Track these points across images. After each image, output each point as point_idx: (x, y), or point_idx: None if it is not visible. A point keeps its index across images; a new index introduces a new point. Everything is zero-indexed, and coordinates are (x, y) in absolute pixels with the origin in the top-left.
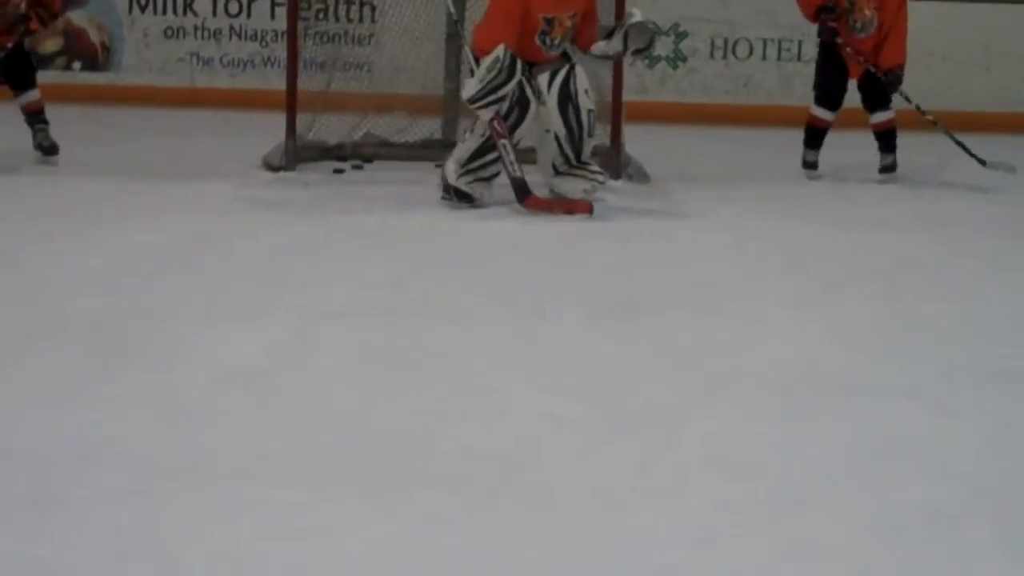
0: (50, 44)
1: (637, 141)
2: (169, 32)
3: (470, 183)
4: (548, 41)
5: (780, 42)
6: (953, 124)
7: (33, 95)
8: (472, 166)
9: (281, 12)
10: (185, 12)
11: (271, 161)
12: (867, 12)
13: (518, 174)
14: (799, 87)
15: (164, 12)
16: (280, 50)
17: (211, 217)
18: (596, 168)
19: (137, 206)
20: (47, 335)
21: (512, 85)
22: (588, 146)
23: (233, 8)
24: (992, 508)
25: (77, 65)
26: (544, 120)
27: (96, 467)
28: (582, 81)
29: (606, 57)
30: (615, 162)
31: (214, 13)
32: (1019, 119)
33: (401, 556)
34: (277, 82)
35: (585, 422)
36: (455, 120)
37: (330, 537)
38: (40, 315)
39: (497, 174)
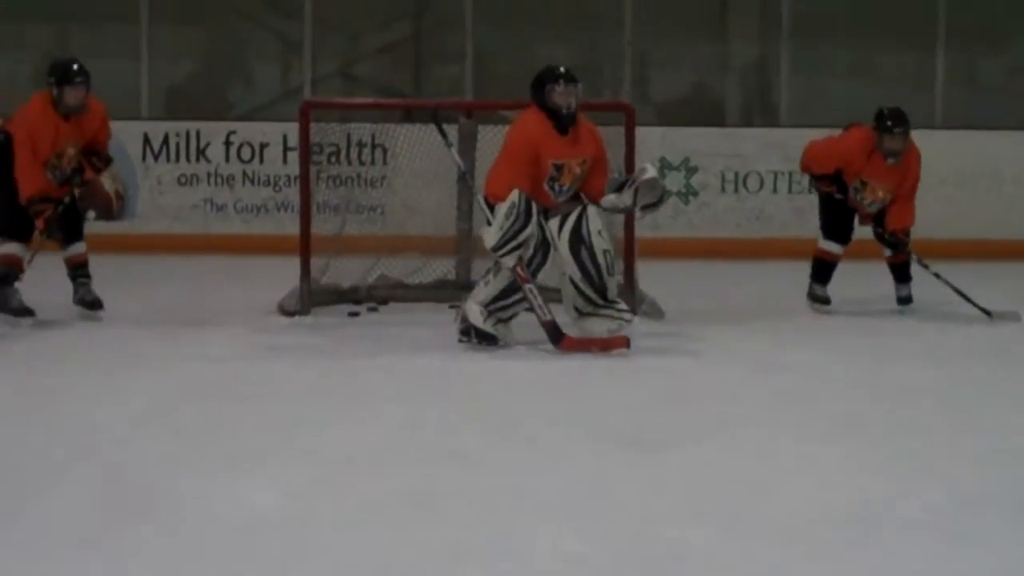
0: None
1: (651, 277)
2: (183, 179)
3: (494, 325)
4: (557, 187)
5: (791, 174)
6: (964, 251)
7: (80, 248)
8: (494, 307)
9: (293, 157)
10: (198, 159)
11: (286, 306)
12: (880, 194)
13: (548, 317)
14: (811, 219)
15: (177, 159)
16: (293, 194)
17: (227, 363)
18: (623, 306)
19: (152, 353)
20: (63, 484)
21: (531, 229)
22: (612, 284)
23: (246, 154)
24: None
25: (92, 215)
26: (559, 264)
27: None
28: (595, 222)
29: (615, 210)
30: (630, 299)
31: (227, 159)
32: None
33: None
34: (291, 226)
35: (604, 562)
36: (469, 260)
37: None
38: (55, 464)
39: (517, 315)
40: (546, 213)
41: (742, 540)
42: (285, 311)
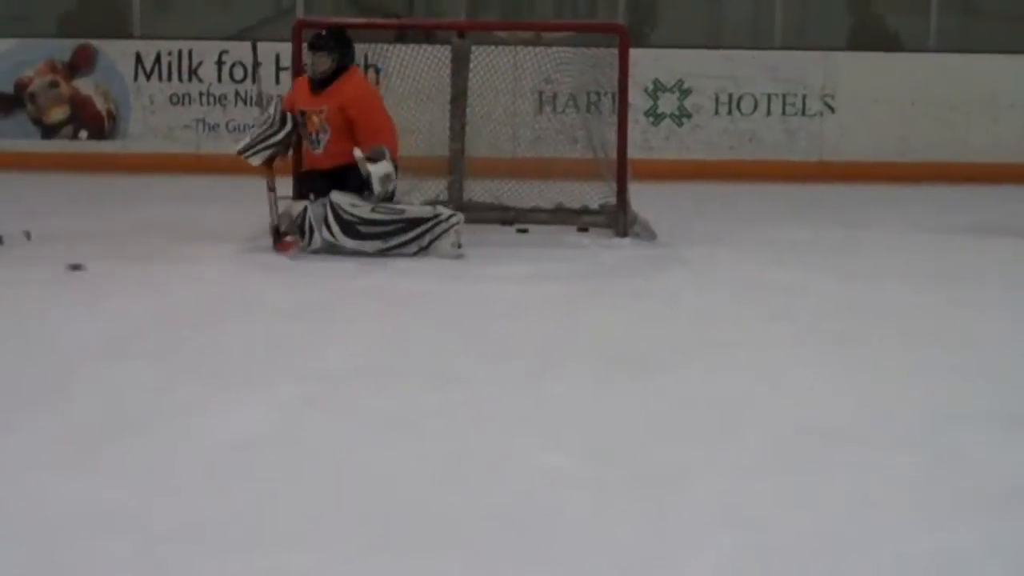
0: (57, 113)
1: (643, 198)
2: (175, 99)
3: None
4: (307, 135)
5: (784, 97)
6: (959, 174)
7: None
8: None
9: (286, 77)
10: (190, 78)
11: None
12: None
13: (275, 223)
14: (804, 141)
15: (169, 79)
16: None
17: (217, 283)
18: (443, 212)
19: (143, 273)
20: (52, 402)
21: (283, 135)
22: (408, 209)
23: (238, 73)
24: (1004, 555)
25: (84, 133)
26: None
27: (101, 534)
28: (342, 199)
29: (361, 166)
30: (622, 220)
31: (219, 79)
32: None
33: None
34: None
35: (593, 479)
36: (461, 180)
37: None
38: (44, 383)
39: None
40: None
41: (728, 457)
42: (277, 231)
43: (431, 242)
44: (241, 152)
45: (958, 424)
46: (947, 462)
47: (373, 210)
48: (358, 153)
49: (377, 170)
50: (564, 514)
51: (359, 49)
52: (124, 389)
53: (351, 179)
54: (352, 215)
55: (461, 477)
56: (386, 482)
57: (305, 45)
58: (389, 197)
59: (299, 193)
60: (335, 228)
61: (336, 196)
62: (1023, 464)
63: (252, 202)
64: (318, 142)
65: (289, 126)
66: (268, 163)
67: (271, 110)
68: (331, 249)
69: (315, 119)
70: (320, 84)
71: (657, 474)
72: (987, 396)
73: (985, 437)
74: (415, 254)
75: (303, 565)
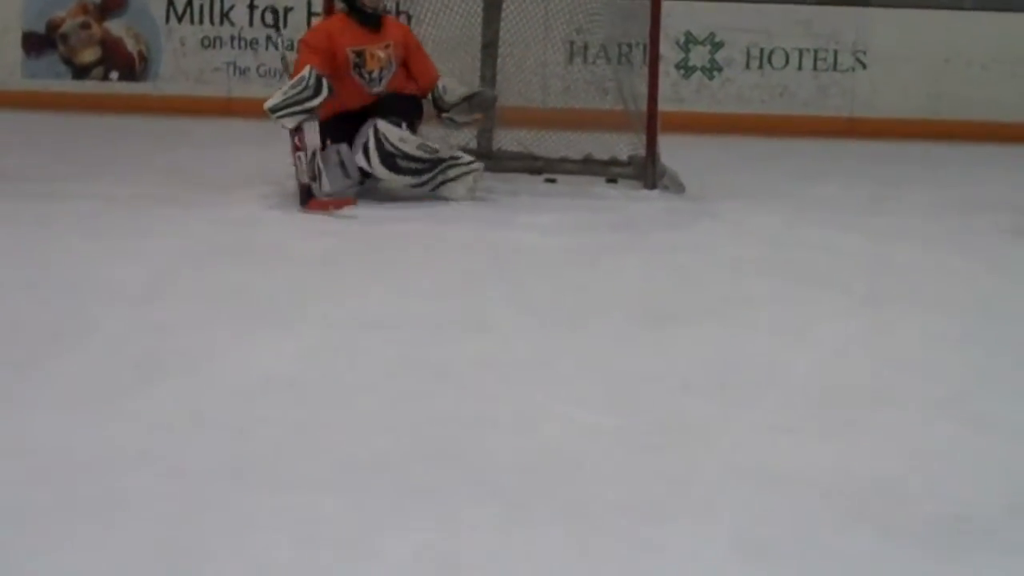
0: (88, 54)
1: (672, 151)
2: (206, 42)
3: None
4: (366, 75)
5: (816, 52)
6: (991, 133)
7: None
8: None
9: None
10: (222, 22)
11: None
12: None
13: (304, 180)
14: (835, 97)
15: (201, 22)
16: None
17: (246, 227)
18: (466, 158)
19: (172, 215)
20: (80, 343)
21: (318, 101)
22: (441, 149)
23: (269, 18)
24: None
25: (115, 75)
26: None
27: (128, 474)
28: (392, 132)
29: (442, 93)
30: (650, 172)
31: (251, 23)
32: None
33: (437, 566)
34: None
35: (620, 432)
36: (491, 128)
37: (365, 547)
38: (73, 323)
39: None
40: (350, 142)
41: (755, 414)
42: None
43: (442, 183)
44: (273, 111)
45: (988, 388)
46: (977, 426)
47: (419, 147)
48: (447, 83)
49: (488, 95)
50: (588, 466)
51: None
52: (152, 331)
53: (397, 105)
54: (396, 148)
55: (488, 427)
56: (415, 429)
57: None
58: (461, 122)
59: (323, 142)
60: (374, 157)
61: (383, 125)
62: None
63: (282, 147)
64: (379, 80)
65: (324, 93)
66: (299, 127)
67: (305, 73)
68: (344, 190)
69: (381, 55)
70: (377, 20)
71: (683, 429)
72: (1018, 359)
73: (1017, 403)
74: (431, 190)
75: (335, 510)
